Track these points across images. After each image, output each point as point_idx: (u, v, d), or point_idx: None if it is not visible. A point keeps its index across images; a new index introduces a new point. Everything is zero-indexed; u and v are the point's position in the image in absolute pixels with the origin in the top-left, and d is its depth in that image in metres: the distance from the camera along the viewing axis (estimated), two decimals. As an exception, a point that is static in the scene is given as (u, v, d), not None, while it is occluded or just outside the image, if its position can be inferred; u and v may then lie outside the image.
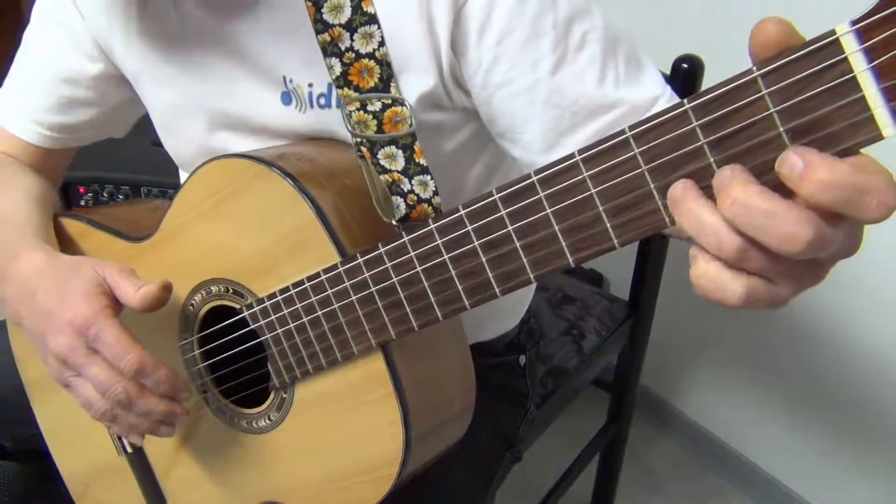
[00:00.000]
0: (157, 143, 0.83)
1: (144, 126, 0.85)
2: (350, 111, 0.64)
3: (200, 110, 0.74)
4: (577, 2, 0.64)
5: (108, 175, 1.32)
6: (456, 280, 0.53)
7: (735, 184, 0.38)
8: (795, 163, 0.36)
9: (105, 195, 1.32)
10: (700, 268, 0.40)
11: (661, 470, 1.62)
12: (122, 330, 0.60)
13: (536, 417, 1.02)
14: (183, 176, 0.85)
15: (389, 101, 0.64)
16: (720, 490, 1.58)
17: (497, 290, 0.51)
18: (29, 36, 0.81)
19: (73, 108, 0.80)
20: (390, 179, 0.64)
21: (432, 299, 0.55)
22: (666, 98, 0.66)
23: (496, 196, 0.48)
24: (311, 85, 0.68)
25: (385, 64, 0.64)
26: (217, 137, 0.75)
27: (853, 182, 0.35)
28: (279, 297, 0.63)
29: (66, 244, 0.79)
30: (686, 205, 0.40)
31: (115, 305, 0.62)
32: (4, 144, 0.83)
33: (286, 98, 0.69)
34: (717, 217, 0.38)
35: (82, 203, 1.33)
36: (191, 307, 0.70)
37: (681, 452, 1.65)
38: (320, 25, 0.64)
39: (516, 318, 0.95)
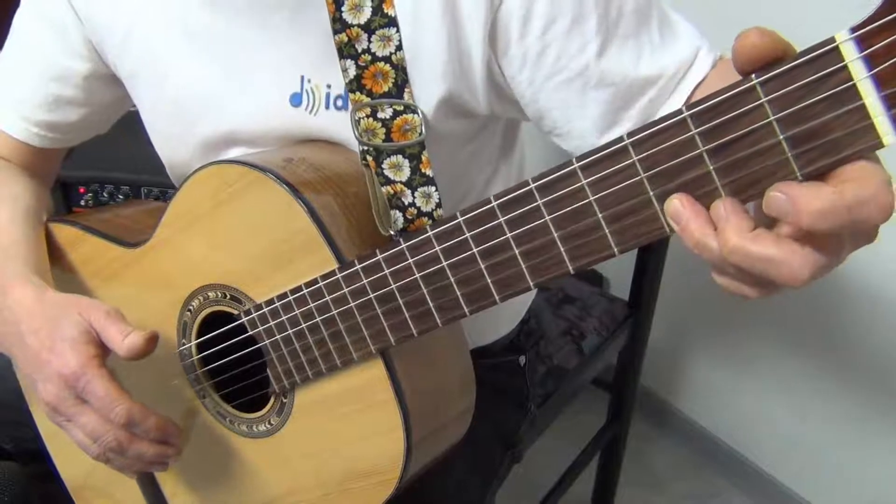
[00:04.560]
0: (157, 144, 0.83)
1: (144, 126, 0.85)
2: (359, 118, 0.63)
3: (201, 110, 0.73)
4: None
5: (108, 175, 1.32)
6: (455, 287, 0.52)
7: (729, 229, 0.38)
8: (782, 202, 0.36)
9: (105, 195, 1.32)
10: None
11: (661, 470, 1.62)
12: (110, 381, 0.62)
13: (536, 417, 1.02)
14: (172, 178, 0.85)
15: (401, 108, 0.63)
16: (720, 490, 1.57)
17: (496, 297, 0.51)
18: (17, 30, 0.79)
19: (61, 106, 0.79)
20: (392, 191, 0.63)
21: (431, 305, 0.54)
22: (706, 48, 0.64)
23: (494, 203, 0.48)
24: (329, 86, 0.67)
25: (401, 69, 0.62)
26: (215, 139, 0.74)
27: (845, 201, 0.35)
28: (277, 304, 0.62)
29: (57, 253, 0.78)
30: (690, 227, 0.40)
31: (103, 353, 0.63)
32: None
33: (296, 99, 0.68)
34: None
35: (82, 203, 1.33)
36: (188, 313, 0.70)
37: (681, 452, 1.65)
38: (339, 25, 0.62)
39: (516, 321, 0.95)
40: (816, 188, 0.36)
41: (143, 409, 0.62)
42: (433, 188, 0.63)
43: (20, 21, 0.79)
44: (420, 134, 0.63)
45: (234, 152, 0.73)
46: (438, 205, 0.64)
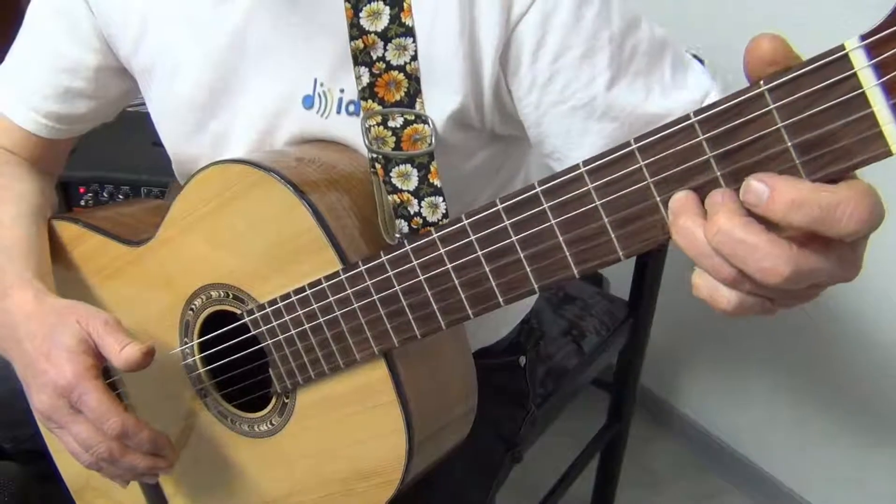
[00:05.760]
0: (158, 143, 0.83)
1: (144, 126, 0.85)
2: (370, 125, 0.63)
3: (210, 107, 0.73)
4: (627, 14, 0.64)
5: (108, 175, 1.32)
6: (459, 289, 0.52)
7: (722, 212, 0.38)
8: (761, 189, 0.37)
9: (105, 195, 1.32)
10: (699, 274, 0.41)
11: (661, 470, 1.62)
12: (104, 393, 0.62)
13: (537, 417, 1.02)
14: (178, 175, 0.85)
15: (412, 118, 0.63)
16: (720, 490, 1.58)
17: (501, 299, 0.51)
18: (29, 21, 0.80)
19: (70, 98, 0.80)
20: (398, 200, 0.63)
21: (435, 308, 0.54)
22: (716, 92, 0.66)
23: (500, 206, 0.48)
24: (342, 91, 0.67)
25: (414, 79, 0.62)
26: (223, 136, 0.73)
27: (820, 197, 0.36)
28: (280, 304, 0.62)
29: (59, 250, 0.78)
30: (681, 221, 0.40)
31: (99, 363, 0.63)
32: (4, 135, 0.82)
33: (308, 101, 0.68)
34: None
35: (82, 203, 1.32)
36: (191, 312, 0.70)
37: (681, 452, 1.65)
38: (356, 31, 0.62)
39: (517, 322, 0.95)
40: (795, 180, 0.36)
41: (137, 423, 0.62)
42: (440, 198, 0.63)
43: (33, 12, 0.79)
44: (430, 144, 0.63)
45: (242, 151, 0.73)
46: (445, 215, 0.63)
